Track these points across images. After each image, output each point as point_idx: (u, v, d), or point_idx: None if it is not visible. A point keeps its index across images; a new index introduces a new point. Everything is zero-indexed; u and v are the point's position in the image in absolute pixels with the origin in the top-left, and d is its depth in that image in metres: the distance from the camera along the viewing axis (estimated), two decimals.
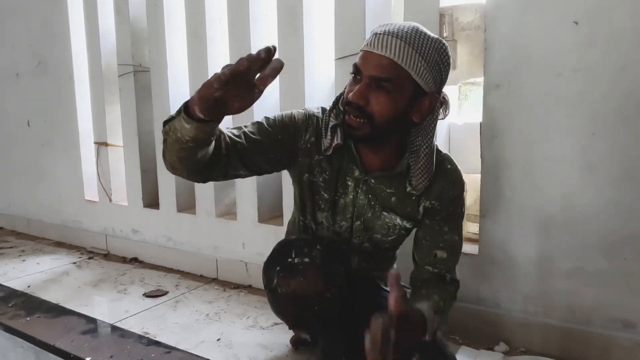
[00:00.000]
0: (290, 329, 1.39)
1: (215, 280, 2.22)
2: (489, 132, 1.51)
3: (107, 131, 2.70)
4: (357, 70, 1.05)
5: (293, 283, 1.12)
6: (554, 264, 1.46)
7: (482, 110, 1.52)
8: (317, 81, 1.94)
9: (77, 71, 2.79)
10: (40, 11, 2.90)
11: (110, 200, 2.73)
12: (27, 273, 2.40)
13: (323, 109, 1.22)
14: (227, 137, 1.10)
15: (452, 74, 1.64)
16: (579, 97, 1.37)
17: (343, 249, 1.26)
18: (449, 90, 1.73)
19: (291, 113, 1.21)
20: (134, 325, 1.75)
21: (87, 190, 2.86)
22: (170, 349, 1.57)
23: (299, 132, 1.19)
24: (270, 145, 1.17)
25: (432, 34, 1.05)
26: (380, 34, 1.02)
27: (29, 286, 2.20)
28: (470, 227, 1.78)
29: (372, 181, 1.20)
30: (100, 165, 2.75)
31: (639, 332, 1.36)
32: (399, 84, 1.02)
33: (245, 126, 1.17)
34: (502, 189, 1.51)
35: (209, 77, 0.89)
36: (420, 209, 1.22)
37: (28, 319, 1.83)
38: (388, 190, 1.20)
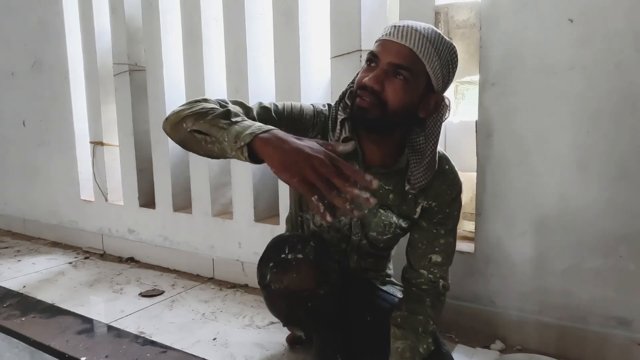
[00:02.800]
0: (284, 325, 1.38)
1: (211, 280, 2.21)
2: (485, 131, 1.51)
3: (102, 131, 2.69)
4: (373, 57, 1.05)
5: (286, 279, 1.12)
6: (549, 262, 1.46)
7: (477, 109, 1.52)
8: (313, 80, 1.94)
9: (73, 70, 2.78)
10: (36, 10, 2.89)
11: (106, 200, 2.72)
12: (22, 273, 2.39)
13: (329, 106, 1.21)
14: None
15: None
16: (574, 95, 1.37)
17: (331, 249, 1.25)
18: None
19: (300, 107, 1.18)
20: (129, 325, 1.74)
21: (83, 190, 2.85)
22: (166, 348, 1.56)
23: (307, 129, 1.17)
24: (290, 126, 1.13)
25: (441, 35, 1.06)
26: (401, 26, 1.03)
27: (24, 286, 2.19)
28: (466, 226, 1.78)
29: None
30: (96, 165, 2.75)
31: (634, 330, 1.37)
32: (415, 75, 1.02)
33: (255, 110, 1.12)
34: (498, 187, 1.51)
35: (306, 152, 0.81)
36: (418, 209, 1.21)
37: (23, 319, 1.83)
38: (387, 187, 1.20)
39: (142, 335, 1.66)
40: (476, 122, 1.52)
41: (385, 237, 1.25)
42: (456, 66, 1.09)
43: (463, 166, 1.74)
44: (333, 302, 1.17)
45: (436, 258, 1.23)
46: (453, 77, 1.09)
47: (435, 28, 1.07)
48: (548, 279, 1.47)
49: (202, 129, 0.94)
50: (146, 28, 2.34)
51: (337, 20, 1.76)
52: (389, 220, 1.22)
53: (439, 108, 1.10)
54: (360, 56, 1.72)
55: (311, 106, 1.20)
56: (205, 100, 1.03)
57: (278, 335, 1.62)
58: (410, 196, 1.20)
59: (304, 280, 1.11)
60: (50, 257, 2.69)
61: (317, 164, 0.80)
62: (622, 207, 1.35)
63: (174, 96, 2.33)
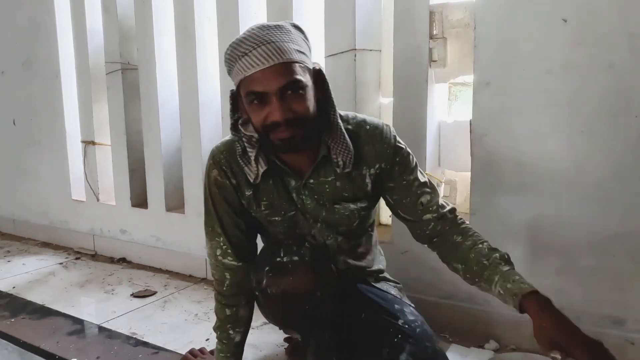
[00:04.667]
0: (280, 329, 1.37)
1: (204, 280, 2.20)
2: (479, 130, 1.51)
3: (94, 130, 2.67)
4: (257, 95, 1.01)
5: (283, 282, 1.10)
6: (543, 261, 1.46)
7: (471, 108, 1.52)
8: None
9: (64, 69, 2.76)
10: (27, 8, 2.86)
11: (98, 200, 2.70)
12: (12, 274, 2.36)
13: (221, 145, 1.21)
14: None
15: (441, 72, 1.65)
16: (567, 94, 1.37)
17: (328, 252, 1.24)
18: (438, 88, 1.74)
19: (206, 189, 1.23)
20: (121, 326, 1.73)
21: (74, 189, 2.83)
22: (158, 349, 1.55)
23: (227, 189, 1.19)
24: (237, 218, 1.22)
25: (274, 23, 1.05)
26: (249, 52, 0.99)
27: (14, 287, 2.17)
28: None
29: (311, 181, 1.17)
30: (87, 165, 2.72)
31: (628, 329, 1.37)
32: (301, 78, 1.01)
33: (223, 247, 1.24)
34: (492, 186, 1.51)
35: None
36: (367, 180, 1.18)
37: (13, 320, 1.80)
38: (330, 179, 1.17)
39: (134, 336, 1.64)
40: (470, 121, 1.52)
41: (355, 223, 1.22)
42: (305, 33, 1.09)
43: (457, 166, 1.74)
44: (331, 303, 1.15)
45: (424, 198, 1.18)
46: (309, 42, 1.09)
47: (262, 24, 1.04)
48: (542, 279, 1.46)
49: None
50: (139, 26, 2.32)
51: (332, 20, 1.75)
52: (348, 210, 1.19)
53: (322, 77, 1.10)
54: (355, 55, 1.71)
55: (206, 170, 1.22)
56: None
57: (272, 335, 1.61)
58: (353, 174, 1.17)
59: (301, 283, 1.09)
60: (41, 257, 2.66)
61: None
62: (615, 207, 1.35)
63: (167, 95, 2.32)
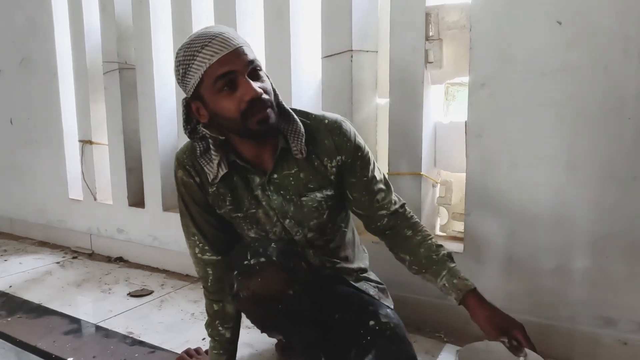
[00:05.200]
0: (262, 332, 1.35)
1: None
2: (474, 131, 1.52)
3: (91, 129, 2.67)
4: (227, 78, 1.04)
5: (252, 284, 1.09)
6: (537, 262, 1.47)
7: (466, 109, 1.52)
8: (304, 79, 1.93)
9: (62, 68, 2.76)
10: (24, 7, 2.86)
11: (95, 199, 2.70)
12: (8, 273, 2.36)
13: (183, 147, 1.24)
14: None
15: (437, 73, 1.65)
16: (562, 96, 1.38)
17: (297, 248, 1.24)
18: (434, 89, 1.75)
19: (177, 190, 1.26)
20: (118, 325, 1.73)
21: (72, 189, 2.83)
22: (154, 348, 1.56)
23: (193, 187, 1.22)
24: (207, 215, 1.24)
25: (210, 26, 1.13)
26: (208, 44, 1.04)
27: (10, 286, 2.17)
28: (456, 226, 1.79)
29: (275, 176, 1.18)
30: (84, 164, 2.72)
31: (620, 330, 1.38)
32: (257, 59, 1.09)
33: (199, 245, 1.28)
34: (487, 187, 1.52)
35: None
36: (330, 168, 1.19)
37: (9, 319, 1.81)
38: (293, 171, 1.18)
39: (131, 336, 1.65)
40: (465, 122, 1.53)
41: (324, 216, 1.22)
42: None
43: (453, 166, 1.75)
44: (307, 301, 1.14)
45: (380, 195, 1.23)
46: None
47: (206, 27, 1.10)
48: (536, 279, 1.48)
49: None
50: (136, 26, 2.32)
51: (329, 20, 1.76)
52: (316, 201, 1.20)
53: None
54: (351, 56, 1.72)
55: (174, 168, 1.25)
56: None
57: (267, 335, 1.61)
58: (315, 163, 1.18)
59: (270, 283, 1.08)
60: (38, 256, 2.66)
61: None
62: (609, 208, 1.36)
63: (164, 95, 2.32)
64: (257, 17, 2.00)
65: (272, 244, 1.13)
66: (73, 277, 2.29)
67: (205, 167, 1.18)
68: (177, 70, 1.09)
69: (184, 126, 1.16)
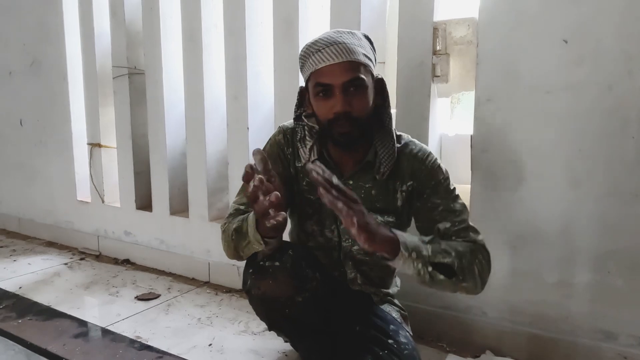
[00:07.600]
0: (270, 330, 1.39)
1: (207, 284, 2.23)
2: (480, 146, 1.54)
3: (100, 132, 2.70)
4: (324, 87, 1.13)
5: (263, 285, 1.15)
6: (540, 275, 1.49)
7: (472, 123, 1.55)
8: None
9: (71, 72, 2.79)
10: (35, 10, 2.89)
11: (103, 202, 2.73)
12: (18, 274, 2.40)
13: (288, 124, 1.33)
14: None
15: (444, 87, 1.67)
16: (566, 114, 1.40)
17: (314, 258, 1.28)
18: (441, 102, 1.77)
19: (271, 140, 1.34)
20: (126, 329, 1.76)
21: (80, 190, 2.86)
22: (162, 354, 1.58)
23: (284, 151, 1.31)
24: (284, 184, 1.25)
25: (348, 30, 1.17)
26: (322, 49, 1.11)
27: (20, 287, 2.20)
28: None
29: (351, 182, 1.24)
30: (93, 166, 2.76)
31: (621, 344, 1.40)
32: (364, 78, 1.12)
33: None
34: (491, 201, 1.54)
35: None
36: (398, 195, 1.25)
37: (19, 321, 1.84)
38: (367, 185, 1.25)
39: (139, 340, 1.68)
40: (471, 137, 1.55)
41: None
42: (372, 43, 1.20)
43: (458, 179, 1.77)
44: (314, 310, 1.19)
45: (443, 225, 1.19)
46: (375, 53, 1.20)
47: (338, 29, 1.17)
48: (539, 292, 1.51)
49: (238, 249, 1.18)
50: (146, 32, 2.35)
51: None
52: None
53: (383, 85, 1.22)
54: None
55: (276, 131, 1.34)
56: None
57: (273, 342, 1.64)
58: (389, 187, 1.24)
59: (280, 287, 1.14)
60: (46, 257, 2.70)
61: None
62: (611, 224, 1.38)
63: (173, 100, 2.35)
64: (267, 26, 2.03)
65: (289, 251, 1.18)
66: (81, 279, 2.32)
67: (301, 149, 1.27)
68: (299, 59, 1.19)
69: (295, 110, 1.29)
